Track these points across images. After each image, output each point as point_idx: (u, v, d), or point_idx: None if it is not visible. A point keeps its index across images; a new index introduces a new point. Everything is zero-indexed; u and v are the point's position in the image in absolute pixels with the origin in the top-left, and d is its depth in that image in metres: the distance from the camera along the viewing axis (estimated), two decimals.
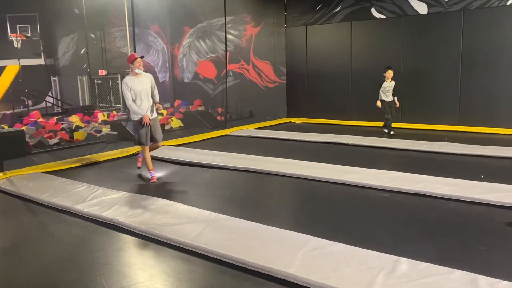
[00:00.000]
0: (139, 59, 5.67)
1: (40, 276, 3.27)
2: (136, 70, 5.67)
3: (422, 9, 9.83)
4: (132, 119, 5.87)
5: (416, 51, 9.82)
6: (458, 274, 2.94)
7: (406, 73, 9.98)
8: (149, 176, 5.93)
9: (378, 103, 8.78)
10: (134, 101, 5.69)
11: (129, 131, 8.97)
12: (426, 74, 9.74)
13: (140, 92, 5.66)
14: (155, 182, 5.84)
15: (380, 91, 8.77)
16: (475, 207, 4.47)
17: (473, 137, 8.29)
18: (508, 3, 8.79)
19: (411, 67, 9.92)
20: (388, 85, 8.76)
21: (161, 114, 5.65)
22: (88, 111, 12.88)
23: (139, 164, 6.32)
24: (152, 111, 5.86)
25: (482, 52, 9.02)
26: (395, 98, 8.86)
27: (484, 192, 4.75)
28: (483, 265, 3.17)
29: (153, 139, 5.98)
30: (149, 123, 5.75)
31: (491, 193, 4.70)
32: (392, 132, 8.90)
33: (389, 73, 8.72)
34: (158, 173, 6.17)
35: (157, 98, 5.95)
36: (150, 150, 6.08)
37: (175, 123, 10.90)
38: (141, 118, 5.69)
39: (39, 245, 3.86)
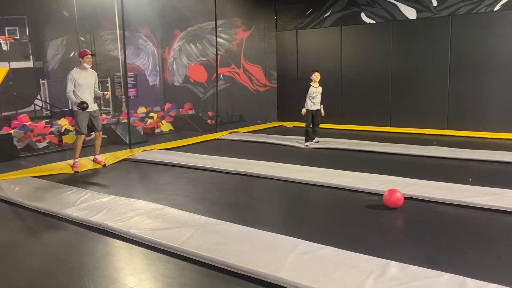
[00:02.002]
0: (89, 56, 6.32)
1: (27, 282, 3.22)
2: (85, 65, 6.28)
3: (411, 14, 9.94)
4: (74, 109, 6.44)
5: (405, 56, 9.91)
6: (447, 277, 2.96)
7: (395, 78, 10.08)
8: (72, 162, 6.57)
9: (303, 111, 8.04)
10: (75, 92, 6.27)
11: (119, 135, 8.93)
12: (415, 78, 9.84)
13: (83, 84, 6.26)
14: (77, 171, 6.41)
15: (307, 98, 8.04)
16: (463, 210, 4.51)
17: (461, 141, 8.37)
18: (496, 8, 8.92)
19: (400, 72, 10.01)
20: (315, 91, 8.00)
21: (103, 95, 6.42)
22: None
23: (102, 162, 6.92)
24: (93, 104, 6.51)
25: (470, 57, 9.13)
26: (322, 106, 8.12)
27: (473, 195, 4.79)
28: (472, 268, 3.20)
29: (94, 129, 6.65)
30: (79, 109, 6.27)
31: (479, 196, 4.75)
32: (315, 141, 8.28)
33: (316, 76, 8.00)
34: (149, 177, 6.13)
35: (98, 92, 6.63)
36: (98, 148, 6.87)
37: (165, 126, 10.86)
38: (81, 104, 6.21)
39: (26, 250, 3.81)
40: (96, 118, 6.61)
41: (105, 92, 6.60)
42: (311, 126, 8.11)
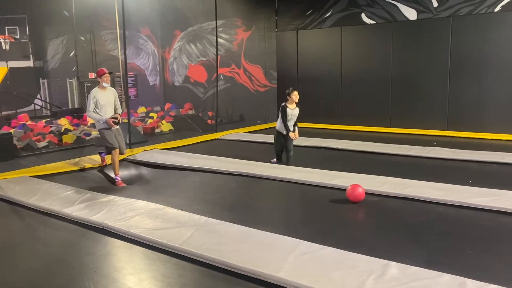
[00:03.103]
0: (107, 75, 6.11)
1: (27, 281, 3.22)
2: (103, 84, 6.06)
3: (412, 15, 9.95)
4: (98, 128, 6.17)
5: (405, 57, 9.91)
6: (447, 278, 2.96)
7: (395, 78, 10.08)
8: (115, 179, 6.05)
9: (292, 135, 6.66)
10: (95, 111, 6.00)
11: None
12: (415, 79, 9.84)
13: (104, 104, 6.03)
14: (122, 185, 5.95)
15: (282, 120, 6.67)
16: (463, 211, 4.51)
17: (461, 142, 8.38)
18: (496, 10, 8.93)
19: (400, 72, 10.01)
20: (291, 113, 6.62)
21: (119, 123, 6.17)
22: (77, 114, 12.77)
23: (104, 162, 6.80)
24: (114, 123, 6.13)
25: (470, 58, 9.14)
26: (296, 128, 6.77)
27: (472, 196, 4.79)
28: (472, 268, 3.20)
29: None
30: (113, 125, 6.04)
31: (479, 197, 4.75)
32: (274, 160, 6.94)
33: (295, 96, 6.62)
34: (149, 177, 6.12)
35: (120, 111, 6.26)
36: (114, 162, 6.14)
37: (165, 126, 10.86)
38: (114, 119, 6.00)
39: (26, 250, 3.81)
40: (121, 137, 6.30)
41: (118, 114, 6.22)
42: (282, 151, 6.85)
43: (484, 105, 9.11)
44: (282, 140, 6.73)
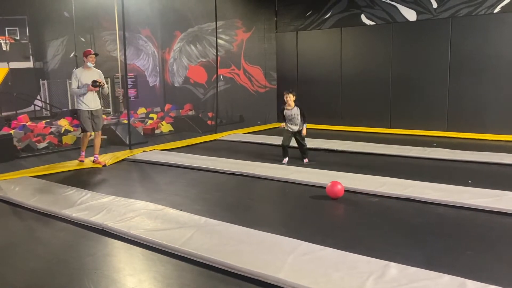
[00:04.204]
0: (92, 55, 6.53)
1: (27, 282, 3.22)
2: (88, 64, 6.50)
3: (411, 16, 9.95)
4: (77, 108, 6.68)
5: (405, 58, 9.92)
6: (447, 279, 2.96)
7: (395, 79, 10.09)
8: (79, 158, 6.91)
9: (282, 124, 7.00)
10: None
11: (119, 135, 8.93)
12: (414, 80, 9.85)
13: (86, 83, 6.46)
14: (83, 161, 6.89)
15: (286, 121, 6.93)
16: (463, 212, 4.51)
17: (461, 143, 8.38)
18: (495, 11, 8.94)
19: (400, 73, 10.02)
20: (291, 113, 6.78)
21: (102, 85, 6.65)
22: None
23: (102, 163, 7.06)
24: (95, 103, 6.72)
25: (470, 59, 9.14)
26: (305, 125, 6.87)
27: (472, 197, 4.79)
28: (472, 269, 3.20)
29: (94, 128, 6.81)
30: (93, 88, 6.52)
31: (479, 198, 4.75)
32: (284, 161, 6.92)
33: (290, 98, 6.73)
34: (149, 177, 6.12)
35: (105, 90, 6.91)
36: (98, 148, 7.05)
37: (165, 127, 10.86)
38: (93, 83, 6.45)
39: (26, 251, 3.81)
40: (98, 117, 6.78)
41: (101, 79, 6.65)
42: (289, 144, 6.95)
43: (484, 106, 9.12)
44: (291, 135, 6.93)
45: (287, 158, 6.99)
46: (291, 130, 6.90)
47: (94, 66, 6.76)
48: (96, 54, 6.65)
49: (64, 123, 11.20)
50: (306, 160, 6.98)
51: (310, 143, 8.53)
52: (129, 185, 5.99)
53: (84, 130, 6.74)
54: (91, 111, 6.71)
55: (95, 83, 6.43)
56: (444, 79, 9.48)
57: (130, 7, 13.93)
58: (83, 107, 6.61)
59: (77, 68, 7.28)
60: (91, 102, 6.67)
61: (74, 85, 6.44)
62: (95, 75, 6.57)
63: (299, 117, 6.82)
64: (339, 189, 5.00)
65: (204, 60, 13.75)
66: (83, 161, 6.95)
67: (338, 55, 10.85)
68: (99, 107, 6.85)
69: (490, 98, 9.03)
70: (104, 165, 7.00)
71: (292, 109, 6.79)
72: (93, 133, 6.94)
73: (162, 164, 7.03)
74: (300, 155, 7.07)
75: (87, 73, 6.46)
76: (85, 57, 6.50)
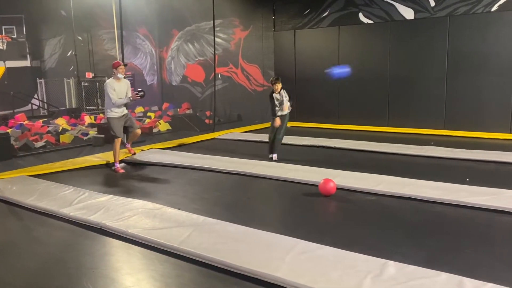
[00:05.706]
0: (122, 66, 6.58)
1: (25, 282, 3.22)
2: (118, 75, 6.54)
3: (409, 14, 9.96)
4: (108, 116, 6.63)
5: (402, 56, 9.93)
6: (444, 277, 2.97)
7: (393, 78, 10.09)
8: (114, 166, 6.74)
9: (278, 121, 6.99)
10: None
11: None
12: (412, 78, 9.85)
13: (119, 94, 6.55)
14: (119, 172, 6.62)
15: (275, 107, 7.04)
16: (461, 210, 4.52)
17: (458, 141, 8.40)
18: (493, 9, 8.95)
19: (397, 72, 10.02)
20: (278, 97, 6.97)
21: (143, 95, 6.84)
22: (74, 114, 12.75)
23: (132, 151, 7.36)
24: (124, 108, 6.80)
25: (467, 57, 9.15)
26: (289, 103, 7.09)
27: (470, 195, 4.81)
28: (469, 267, 3.21)
29: (130, 129, 6.90)
30: (137, 97, 6.64)
31: (476, 196, 4.76)
32: (274, 156, 7.14)
33: (278, 86, 6.93)
34: (147, 176, 6.12)
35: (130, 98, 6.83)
36: (132, 140, 7.23)
37: (163, 126, 10.85)
38: (140, 92, 6.65)
39: (24, 250, 3.80)
40: (130, 118, 6.88)
41: (130, 97, 6.72)
42: (274, 133, 7.13)
43: (482, 104, 9.13)
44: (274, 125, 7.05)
45: (275, 154, 7.14)
46: (283, 114, 7.05)
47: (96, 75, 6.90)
48: (125, 65, 6.72)
49: (61, 122, 11.18)
50: (274, 156, 7.14)
51: (308, 141, 8.57)
52: (127, 184, 5.98)
53: (116, 136, 6.71)
54: (123, 116, 6.77)
55: (139, 93, 6.64)
56: (441, 77, 9.49)
57: (128, 6, 13.89)
58: (115, 114, 6.62)
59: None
60: (121, 107, 6.72)
61: (115, 96, 6.46)
62: (124, 86, 6.67)
63: (286, 98, 7.04)
64: (331, 187, 5.08)
65: (201, 58, 13.74)
66: (123, 171, 6.68)
67: (336, 54, 10.85)
68: (127, 111, 6.94)
69: (488, 97, 9.04)
70: (134, 153, 7.43)
71: (279, 93, 6.99)
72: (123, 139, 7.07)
73: (159, 163, 7.02)
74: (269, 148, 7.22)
75: (118, 84, 6.53)
76: (115, 68, 6.56)
